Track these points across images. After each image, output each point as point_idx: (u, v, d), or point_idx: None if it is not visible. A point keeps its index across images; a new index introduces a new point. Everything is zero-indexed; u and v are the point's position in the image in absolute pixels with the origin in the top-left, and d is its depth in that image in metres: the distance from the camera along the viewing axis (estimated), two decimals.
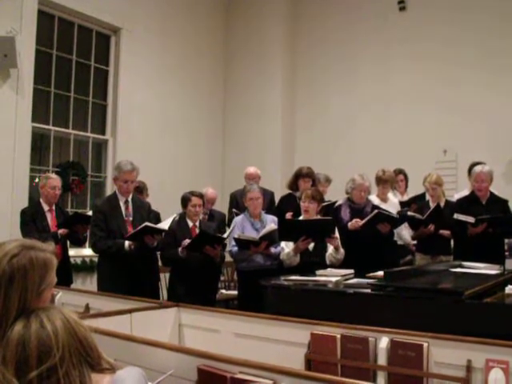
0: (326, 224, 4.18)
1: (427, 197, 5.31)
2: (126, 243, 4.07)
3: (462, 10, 6.75)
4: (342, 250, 4.25)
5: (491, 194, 4.70)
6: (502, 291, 2.87)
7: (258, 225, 4.62)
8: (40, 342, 1.26)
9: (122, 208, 4.25)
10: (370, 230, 4.41)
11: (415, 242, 5.23)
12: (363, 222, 4.43)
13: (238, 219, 4.72)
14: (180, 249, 4.36)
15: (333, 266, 4.17)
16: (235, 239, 4.42)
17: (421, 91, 6.95)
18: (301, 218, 4.52)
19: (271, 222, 4.60)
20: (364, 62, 7.55)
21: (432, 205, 4.95)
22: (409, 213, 4.97)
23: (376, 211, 4.41)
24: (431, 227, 4.80)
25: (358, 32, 7.60)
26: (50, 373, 1.24)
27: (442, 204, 5.05)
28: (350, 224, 4.51)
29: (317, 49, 8.02)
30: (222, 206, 6.24)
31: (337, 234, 4.23)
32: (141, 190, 5.35)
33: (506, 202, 4.71)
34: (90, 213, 4.56)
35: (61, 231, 4.66)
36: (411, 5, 7.23)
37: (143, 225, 4.03)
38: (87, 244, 5.21)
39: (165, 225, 4.20)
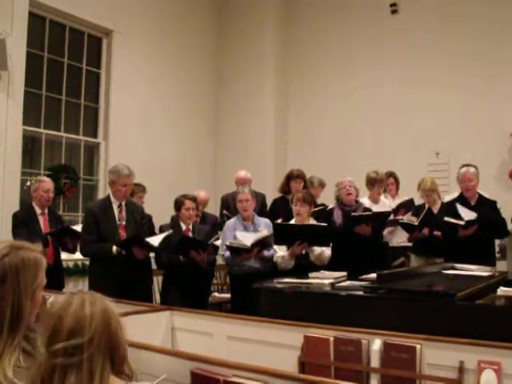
0: (323, 230, 4.20)
1: (415, 201, 5.35)
2: (114, 248, 4.02)
3: (452, 16, 6.81)
4: (316, 248, 4.27)
5: (480, 195, 4.74)
6: (493, 293, 2.89)
7: (251, 227, 4.59)
8: (75, 320, 1.29)
9: (116, 212, 4.21)
10: (352, 234, 4.45)
11: (407, 243, 5.26)
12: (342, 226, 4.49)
13: (229, 223, 4.68)
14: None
15: (321, 265, 4.20)
16: (227, 246, 4.40)
17: (413, 94, 6.98)
18: (292, 221, 4.53)
19: (264, 225, 4.59)
20: (356, 65, 7.57)
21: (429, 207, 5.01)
22: (404, 218, 5.00)
23: (352, 215, 4.45)
24: (425, 231, 4.84)
25: (350, 35, 7.63)
26: (76, 351, 1.26)
27: (438, 207, 5.09)
28: None
29: (309, 51, 8.03)
30: (214, 209, 6.23)
31: None
32: (133, 192, 5.32)
33: (494, 202, 4.75)
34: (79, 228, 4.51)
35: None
36: (403, 8, 7.27)
37: (133, 236, 4.00)
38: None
39: (155, 241, 4.13)
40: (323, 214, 4.83)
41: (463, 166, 4.99)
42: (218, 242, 4.70)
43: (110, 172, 4.27)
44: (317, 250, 4.29)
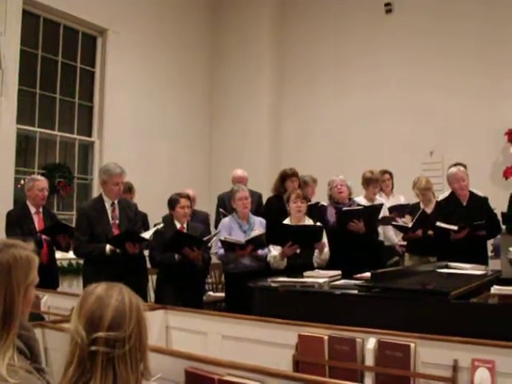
0: (315, 230, 4.20)
1: (410, 201, 5.37)
2: (107, 247, 4.00)
3: (446, 15, 6.82)
4: (325, 250, 4.28)
5: (471, 193, 4.74)
6: (487, 291, 2.90)
7: (246, 226, 4.60)
8: (115, 313, 1.32)
9: (109, 211, 4.19)
10: (346, 232, 4.47)
11: (403, 242, 5.27)
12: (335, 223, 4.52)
13: (224, 221, 4.70)
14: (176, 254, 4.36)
15: (320, 267, 4.19)
16: (221, 241, 4.40)
17: (408, 94, 6.99)
18: (287, 220, 4.53)
19: (259, 224, 4.59)
20: (351, 64, 7.58)
21: (423, 207, 5.01)
22: (398, 219, 5.02)
23: (343, 209, 4.46)
24: (419, 232, 4.84)
25: (346, 34, 7.63)
26: (117, 343, 1.29)
27: (432, 206, 5.10)
28: None
29: (305, 50, 8.03)
30: (208, 208, 6.21)
31: (324, 239, 4.27)
32: (130, 188, 5.32)
33: (485, 199, 4.75)
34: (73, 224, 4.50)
35: (44, 237, 4.61)
36: (399, 7, 7.27)
37: (125, 230, 3.98)
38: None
39: (147, 235, 4.12)
40: (316, 212, 4.85)
41: (452, 165, 5.00)
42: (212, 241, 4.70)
43: (101, 172, 4.26)
44: (326, 253, 4.29)
